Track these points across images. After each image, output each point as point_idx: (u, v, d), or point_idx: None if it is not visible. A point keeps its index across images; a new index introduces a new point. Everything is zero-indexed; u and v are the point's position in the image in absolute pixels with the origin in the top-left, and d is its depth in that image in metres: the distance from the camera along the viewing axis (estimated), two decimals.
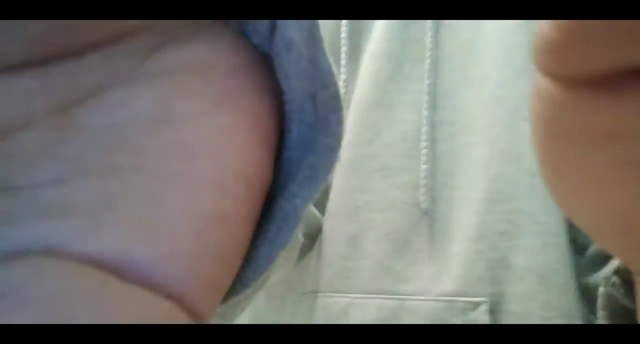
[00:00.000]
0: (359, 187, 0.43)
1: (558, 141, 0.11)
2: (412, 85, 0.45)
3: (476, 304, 0.39)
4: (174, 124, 0.11)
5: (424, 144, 0.43)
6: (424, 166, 0.43)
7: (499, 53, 0.44)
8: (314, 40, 0.13)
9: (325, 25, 0.13)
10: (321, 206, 0.45)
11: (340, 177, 0.44)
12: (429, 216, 0.42)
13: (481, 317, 0.38)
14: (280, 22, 0.12)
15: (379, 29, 0.47)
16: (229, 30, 0.13)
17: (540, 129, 0.11)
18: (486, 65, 0.44)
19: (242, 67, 0.13)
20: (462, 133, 0.43)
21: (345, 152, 0.44)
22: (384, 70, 0.45)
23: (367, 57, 0.46)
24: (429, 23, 0.45)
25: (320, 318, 0.42)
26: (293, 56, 0.13)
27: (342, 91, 0.40)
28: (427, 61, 0.44)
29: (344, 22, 0.47)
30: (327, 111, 0.14)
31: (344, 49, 0.46)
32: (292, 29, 0.13)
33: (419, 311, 0.40)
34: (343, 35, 0.46)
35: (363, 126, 0.44)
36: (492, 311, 0.39)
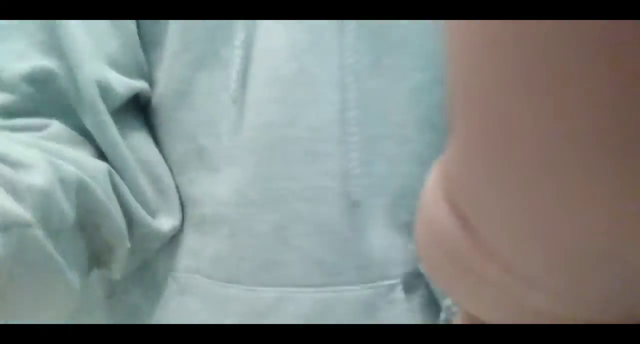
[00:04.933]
0: (280, 174, 0.40)
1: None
2: (333, 59, 0.39)
3: (393, 286, 0.40)
4: None
5: (353, 129, 0.39)
6: (354, 154, 0.39)
7: (418, 51, 0.40)
8: None
9: None
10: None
11: (258, 162, 0.40)
12: (360, 208, 0.40)
13: (398, 295, 0.40)
14: None
15: None
16: None
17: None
18: (401, 58, 0.40)
19: None
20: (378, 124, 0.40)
21: (264, 133, 0.39)
22: (301, 40, 0.39)
23: (277, 23, 0.39)
24: None
25: (246, 311, 0.40)
26: None
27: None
28: (352, 33, 0.38)
29: None
30: None
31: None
32: None
33: (353, 301, 0.40)
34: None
35: (281, 104, 0.39)
36: (406, 290, 0.40)
